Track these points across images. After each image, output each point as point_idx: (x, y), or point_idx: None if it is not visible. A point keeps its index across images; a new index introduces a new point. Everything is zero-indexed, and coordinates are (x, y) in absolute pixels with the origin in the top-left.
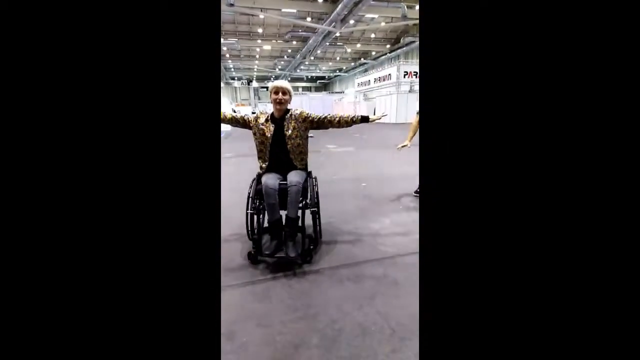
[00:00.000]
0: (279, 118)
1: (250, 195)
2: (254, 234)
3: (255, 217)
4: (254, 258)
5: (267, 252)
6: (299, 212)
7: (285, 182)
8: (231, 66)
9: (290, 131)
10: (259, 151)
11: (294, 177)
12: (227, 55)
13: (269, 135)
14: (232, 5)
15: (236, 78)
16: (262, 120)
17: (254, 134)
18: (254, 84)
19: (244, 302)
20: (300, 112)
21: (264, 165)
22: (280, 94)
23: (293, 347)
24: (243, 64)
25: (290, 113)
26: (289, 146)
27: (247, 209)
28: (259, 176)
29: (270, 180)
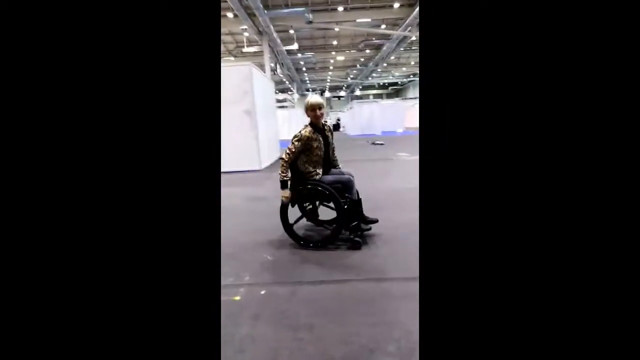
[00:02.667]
0: (321, 128)
1: (337, 196)
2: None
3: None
4: (358, 244)
5: (366, 227)
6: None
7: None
8: (307, 78)
9: (331, 138)
10: (314, 161)
11: (348, 171)
12: (304, 69)
13: (322, 144)
14: (310, 22)
15: (310, 89)
16: (309, 134)
17: (313, 148)
18: (327, 94)
19: (317, 298)
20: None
21: (319, 171)
22: (322, 109)
23: (368, 351)
24: (317, 76)
25: (325, 122)
26: (331, 150)
27: (343, 206)
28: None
29: (345, 176)
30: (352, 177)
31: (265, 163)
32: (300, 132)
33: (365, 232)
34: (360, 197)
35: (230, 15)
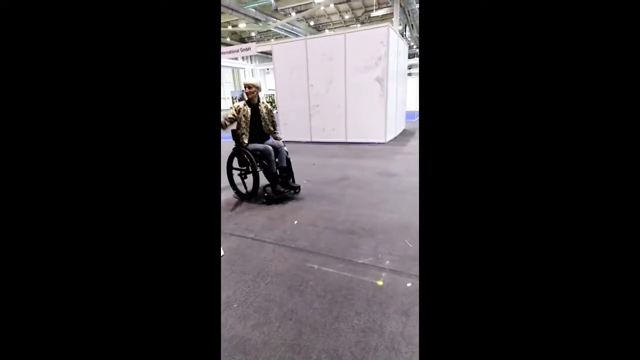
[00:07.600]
0: (254, 104)
1: (253, 160)
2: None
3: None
4: (269, 199)
5: (281, 190)
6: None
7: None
8: None
9: (262, 113)
10: (243, 129)
11: (278, 142)
12: None
13: (249, 116)
14: None
15: None
16: (240, 106)
17: (239, 119)
18: None
19: None
20: (271, 107)
21: (246, 140)
22: (247, 88)
23: None
24: None
25: (262, 101)
26: (262, 123)
27: (256, 170)
28: (243, 145)
29: (261, 145)
30: (276, 147)
31: (390, 136)
32: (236, 103)
33: (289, 195)
34: (289, 164)
35: None
